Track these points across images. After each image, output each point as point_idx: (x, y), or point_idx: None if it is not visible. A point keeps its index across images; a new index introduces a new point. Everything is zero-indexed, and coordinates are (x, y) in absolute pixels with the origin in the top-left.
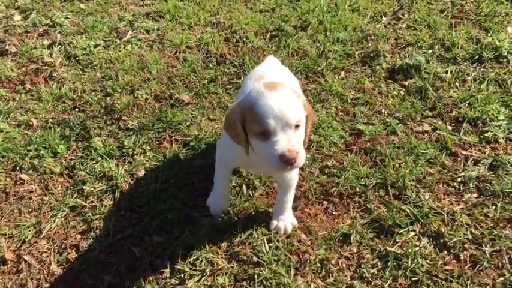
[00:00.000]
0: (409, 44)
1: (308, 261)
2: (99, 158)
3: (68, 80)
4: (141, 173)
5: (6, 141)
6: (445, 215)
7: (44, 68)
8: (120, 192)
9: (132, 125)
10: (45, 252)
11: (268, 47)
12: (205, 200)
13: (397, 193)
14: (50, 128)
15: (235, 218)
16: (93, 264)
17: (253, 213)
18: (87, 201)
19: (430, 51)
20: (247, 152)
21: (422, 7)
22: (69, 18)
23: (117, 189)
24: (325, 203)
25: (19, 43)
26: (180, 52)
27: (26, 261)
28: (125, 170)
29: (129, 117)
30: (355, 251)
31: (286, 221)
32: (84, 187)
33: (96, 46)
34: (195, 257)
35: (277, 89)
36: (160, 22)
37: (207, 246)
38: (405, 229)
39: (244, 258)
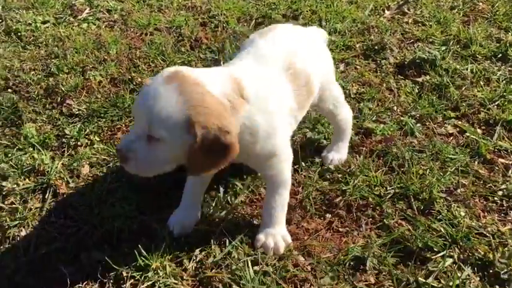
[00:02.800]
0: (418, 39)
1: None
2: (30, 148)
3: (4, 57)
4: (85, 169)
5: None
6: (491, 237)
7: None
8: (52, 192)
9: (79, 110)
10: None
11: (252, 33)
12: (166, 213)
13: (423, 207)
14: None
15: (209, 230)
16: None
17: (232, 225)
18: (6, 202)
19: (443, 47)
20: None
21: (429, 3)
22: None
23: (50, 188)
24: (328, 216)
25: None
26: (146, 34)
27: None
28: (62, 164)
29: (75, 101)
30: (372, 281)
31: (277, 236)
32: (4, 183)
33: (44, 22)
34: (150, 283)
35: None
36: (124, 3)
37: (167, 267)
38: (440, 254)
39: (220, 286)
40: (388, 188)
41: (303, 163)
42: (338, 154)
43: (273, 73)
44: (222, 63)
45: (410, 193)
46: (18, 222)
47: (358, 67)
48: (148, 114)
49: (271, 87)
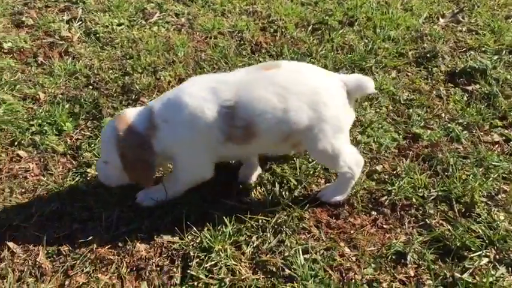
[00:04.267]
0: (470, 47)
1: (353, 280)
2: None
3: (85, 57)
4: None
5: (8, 114)
6: None
7: (60, 42)
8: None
9: None
10: (34, 240)
11: (309, 39)
12: (225, 203)
13: (464, 209)
14: (58, 104)
15: (265, 220)
16: (89, 259)
17: (285, 217)
18: (90, 186)
19: (496, 56)
20: None
21: (484, 12)
22: None
23: None
24: (373, 213)
25: (37, 16)
26: (211, 37)
27: (9, 248)
28: None
29: (148, 98)
30: (412, 274)
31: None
32: (88, 170)
33: (119, 25)
34: (212, 263)
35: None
36: (191, 7)
37: (228, 250)
38: (477, 253)
39: (273, 269)
40: (431, 191)
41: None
42: (334, 193)
43: (199, 101)
44: None
45: (452, 196)
46: (100, 204)
47: (409, 74)
48: (101, 146)
49: (183, 113)
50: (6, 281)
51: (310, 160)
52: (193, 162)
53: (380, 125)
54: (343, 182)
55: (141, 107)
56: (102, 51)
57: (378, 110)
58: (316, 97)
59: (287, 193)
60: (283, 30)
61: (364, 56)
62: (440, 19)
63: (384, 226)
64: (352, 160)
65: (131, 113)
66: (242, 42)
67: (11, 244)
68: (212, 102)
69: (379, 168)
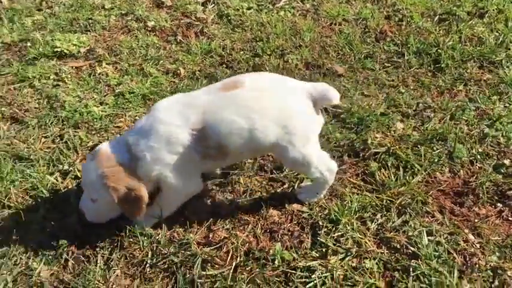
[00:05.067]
0: None
1: (477, 265)
2: None
3: (218, 37)
4: None
5: (154, 86)
6: None
7: (196, 23)
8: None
9: None
10: None
11: (435, 29)
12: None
13: None
14: (196, 79)
15: (389, 200)
16: (229, 218)
17: (409, 199)
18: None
19: None
20: None
21: None
22: None
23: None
24: (499, 205)
25: None
26: (335, 24)
27: None
28: None
29: None
30: None
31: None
32: None
33: (249, 8)
34: (339, 233)
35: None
36: None
37: (354, 224)
38: None
39: (397, 246)
40: None
41: (478, 156)
42: (308, 194)
43: (171, 127)
44: (405, 56)
45: None
46: (237, 172)
47: None
48: (85, 185)
49: (158, 140)
50: (161, 229)
51: (434, 148)
52: (180, 182)
53: (509, 120)
54: (317, 186)
55: (112, 141)
56: (233, 33)
57: (507, 104)
58: (282, 113)
59: (411, 177)
60: (408, 19)
61: (494, 49)
62: None
63: (510, 218)
64: (323, 166)
65: (107, 149)
66: (367, 29)
67: None
68: (183, 127)
69: (506, 162)
